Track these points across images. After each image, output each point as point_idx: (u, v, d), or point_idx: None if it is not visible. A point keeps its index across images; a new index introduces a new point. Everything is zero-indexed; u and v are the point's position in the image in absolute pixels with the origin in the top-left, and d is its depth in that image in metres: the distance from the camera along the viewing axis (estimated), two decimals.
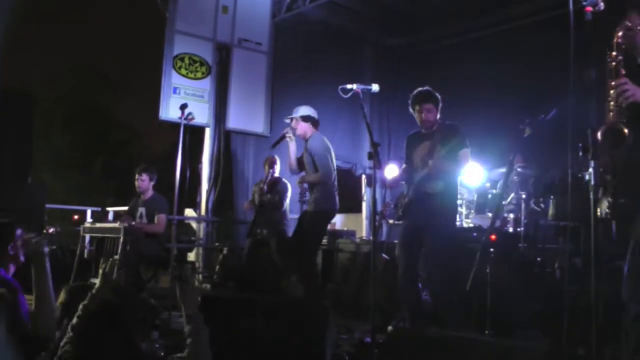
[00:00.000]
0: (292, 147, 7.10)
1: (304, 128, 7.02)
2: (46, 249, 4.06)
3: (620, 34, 3.64)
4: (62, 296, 4.04)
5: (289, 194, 8.37)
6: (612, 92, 3.54)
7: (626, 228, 3.56)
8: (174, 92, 10.10)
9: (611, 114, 3.51)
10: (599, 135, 3.51)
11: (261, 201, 8.34)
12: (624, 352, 3.52)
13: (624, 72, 3.56)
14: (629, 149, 3.43)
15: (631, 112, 3.45)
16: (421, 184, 5.82)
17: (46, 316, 3.77)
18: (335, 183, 6.96)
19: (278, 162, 8.56)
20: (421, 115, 5.96)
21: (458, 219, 7.65)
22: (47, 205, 10.49)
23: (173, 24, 10.22)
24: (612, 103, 3.51)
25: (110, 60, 39.80)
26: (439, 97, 5.99)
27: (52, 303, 3.89)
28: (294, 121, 7.04)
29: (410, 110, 6.12)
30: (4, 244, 3.95)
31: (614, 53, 3.63)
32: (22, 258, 4.04)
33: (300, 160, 7.15)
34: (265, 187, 8.36)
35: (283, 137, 7.08)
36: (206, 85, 10.54)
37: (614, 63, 3.62)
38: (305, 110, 7.07)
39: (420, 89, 6.07)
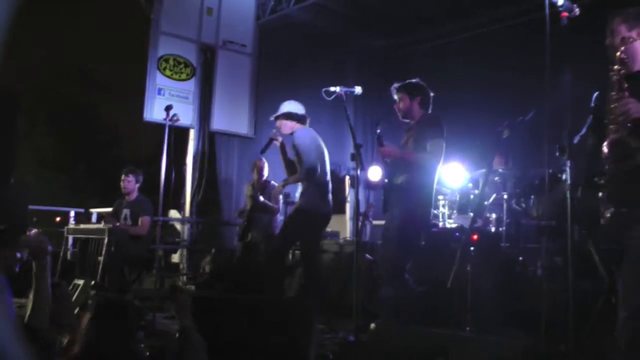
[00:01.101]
0: (284, 146, 6.90)
1: (288, 126, 6.80)
2: (49, 247, 4.10)
3: (622, 48, 3.68)
4: None
5: (281, 197, 8.38)
6: (613, 106, 3.53)
7: (621, 235, 3.61)
8: (159, 93, 10.13)
9: (611, 127, 3.53)
10: (604, 147, 3.57)
11: (253, 205, 8.42)
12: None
13: (626, 85, 3.58)
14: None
15: (636, 126, 3.48)
16: (389, 176, 5.79)
17: (42, 310, 3.86)
18: (324, 181, 6.72)
19: (266, 165, 8.62)
20: (396, 105, 5.95)
21: (441, 218, 7.70)
22: (30, 207, 10.48)
23: (158, 25, 10.26)
24: (614, 117, 3.50)
25: (94, 61, 39.50)
26: (418, 87, 5.88)
27: (49, 297, 3.97)
28: (277, 121, 6.88)
29: None
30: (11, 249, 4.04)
31: (616, 67, 3.61)
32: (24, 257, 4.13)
33: (289, 162, 6.92)
34: (258, 193, 8.44)
35: (271, 140, 6.84)
36: (191, 86, 10.58)
37: (616, 77, 3.60)
38: (287, 106, 6.85)
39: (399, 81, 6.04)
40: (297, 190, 6.82)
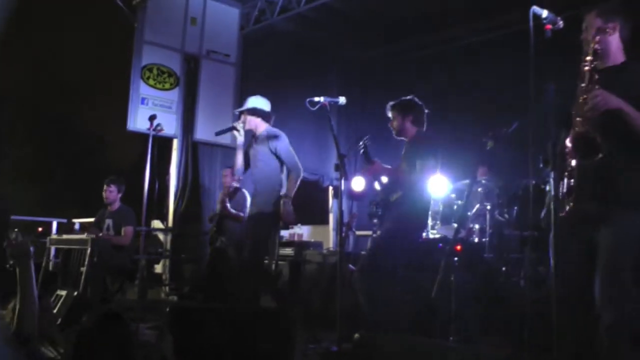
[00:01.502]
0: (239, 141, 6.67)
1: (253, 122, 6.67)
2: (32, 250, 4.08)
3: (597, 38, 3.69)
4: None
5: (248, 203, 8.36)
6: (582, 98, 3.55)
7: (587, 232, 3.62)
8: (142, 103, 10.10)
9: (578, 119, 3.54)
10: (567, 142, 3.58)
11: (222, 211, 8.44)
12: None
13: (597, 77, 3.59)
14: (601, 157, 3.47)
15: (603, 120, 3.49)
16: (385, 193, 5.87)
17: (29, 315, 3.82)
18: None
19: (230, 173, 8.64)
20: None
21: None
22: (12, 217, 10.42)
23: (142, 35, 10.23)
24: (583, 109, 3.51)
25: (77, 70, 39.32)
26: (410, 105, 5.93)
27: (35, 303, 3.93)
28: (242, 115, 6.70)
29: None
30: None
31: (589, 58, 3.63)
32: None
33: (245, 155, 6.75)
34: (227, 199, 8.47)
35: (232, 128, 6.70)
36: (174, 96, 10.55)
37: (587, 68, 3.62)
38: (254, 102, 6.71)
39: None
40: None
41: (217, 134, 6.99)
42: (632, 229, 3.52)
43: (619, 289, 3.47)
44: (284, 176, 6.66)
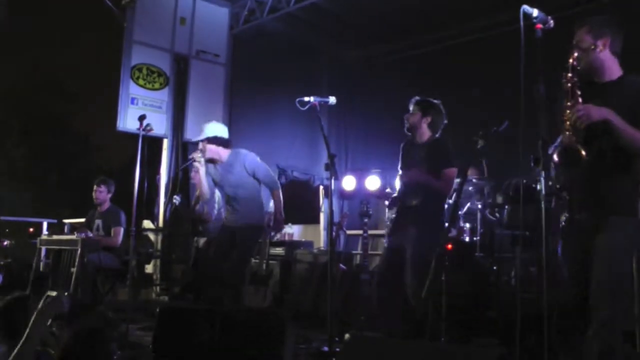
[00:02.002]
0: (202, 172, 6.58)
1: (213, 151, 6.62)
2: (66, 304, 4.01)
3: (575, 54, 3.72)
4: None
5: (217, 205, 8.47)
6: (567, 112, 3.58)
7: (584, 241, 3.66)
8: (132, 103, 10.08)
9: (567, 133, 3.56)
10: (555, 156, 3.60)
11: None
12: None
13: (579, 92, 3.62)
14: (586, 167, 3.53)
15: (588, 132, 3.54)
16: (403, 197, 5.75)
17: (28, 355, 3.75)
18: None
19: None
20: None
21: None
22: (2, 218, 10.40)
23: (131, 34, 10.21)
24: (567, 124, 3.55)
25: (66, 70, 39.26)
26: (433, 107, 5.77)
27: (37, 344, 3.87)
28: (200, 144, 6.64)
29: None
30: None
31: (569, 75, 3.67)
32: None
33: (203, 185, 6.69)
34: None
35: (192, 160, 6.66)
36: (164, 96, 10.54)
37: (569, 84, 3.66)
38: (211, 130, 6.65)
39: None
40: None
41: (181, 169, 6.98)
42: (623, 235, 3.58)
43: (613, 290, 3.51)
44: (262, 187, 6.79)
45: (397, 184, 6.27)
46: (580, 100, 3.59)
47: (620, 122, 3.50)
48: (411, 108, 5.81)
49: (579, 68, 3.67)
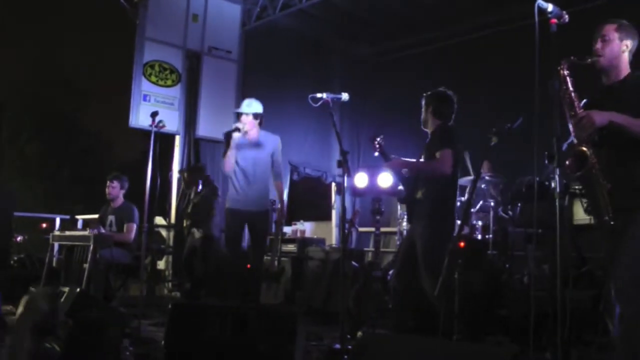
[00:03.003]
0: (235, 142, 6.70)
1: (252, 125, 6.80)
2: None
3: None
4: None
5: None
6: (574, 123, 3.66)
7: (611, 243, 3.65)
8: (144, 100, 10.09)
9: (574, 140, 3.64)
10: (567, 161, 3.61)
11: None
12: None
13: (576, 102, 3.72)
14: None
15: (600, 134, 3.55)
16: (409, 191, 5.75)
17: None
18: None
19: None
20: None
21: None
22: (15, 213, 10.42)
23: (143, 31, 10.23)
24: (582, 131, 3.59)
25: (80, 67, 39.39)
26: (434, 95, 5.76)
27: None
28: (244, 117, 6.77)
29: None
30: None
31: (564, 87, 3.75)
32: None
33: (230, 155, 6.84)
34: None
35: (235, 129, 6.72)
36: (176, 92, 10.55)
37: (566, 96, 3.74)
38: (257, 106, 6.83)
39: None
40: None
41: (225, 133, 7.05)
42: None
43: (634, 284, 3.49)
44: None
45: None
46: (579, 109, 3.68)
47: (625, 119, 3.52)
48: (423, 103, 5.80)
49: (598, 60, 3.67)
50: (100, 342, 3.22)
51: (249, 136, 6.81)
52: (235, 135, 6.68)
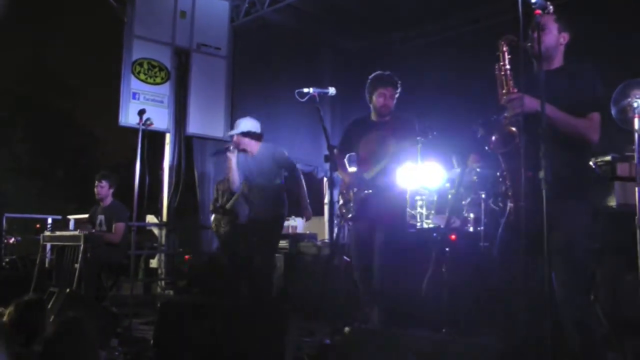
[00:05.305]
0: (233, 162, 6.96)
1: (246, 143, 7.00)
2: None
3: (504, 48, 3.95)
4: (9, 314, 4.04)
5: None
6: (503, 99, 3.85)
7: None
8: (134, 98, 10.05)
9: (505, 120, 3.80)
10: (493, 138, 3.84)
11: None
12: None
13: (512, 81, 3.91)
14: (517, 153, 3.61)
15: (526, 119, 3.63)
16: (374, 179, 5.71)
17: None
18: None
19: None
20: (379, 99, 5.87)
21: (418, 219, 7.69)
22: (7, 215, 10.40)
23: (131, 29, 10.18)
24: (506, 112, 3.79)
25: (68, 66, 39.29)
26: (399, 83, 5.90)
27: None
28: (235, 137, 7.00)
29: (367, 96, 6.03)
30: None
31: (501, 64, 3.95)
32: None
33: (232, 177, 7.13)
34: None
35: (225, 150, 7.04)
36: (166, 90, 10.51)
37: (502, 73, 3.94)
38: (245, 125, 7.01)
39: (380, 72, 5.99)
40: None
41: (213, 154, 7.28)
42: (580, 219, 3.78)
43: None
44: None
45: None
46: (513, 88, 3.87)
47: (553, 110, 3.64)
48: (387, 91, 5.97)
49: (539, 48, 3.71)
50: (77, 340, 3.19)
51: (249, 153, 7.04)
52: (230, 155, 6.94)
